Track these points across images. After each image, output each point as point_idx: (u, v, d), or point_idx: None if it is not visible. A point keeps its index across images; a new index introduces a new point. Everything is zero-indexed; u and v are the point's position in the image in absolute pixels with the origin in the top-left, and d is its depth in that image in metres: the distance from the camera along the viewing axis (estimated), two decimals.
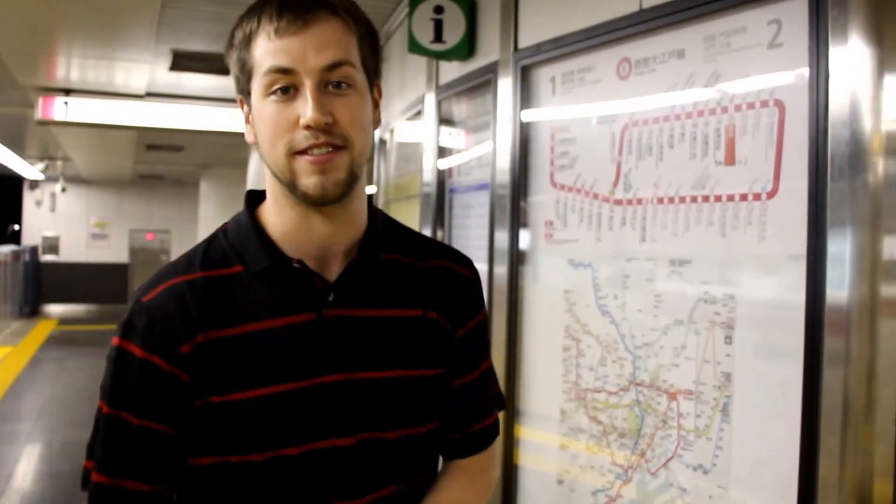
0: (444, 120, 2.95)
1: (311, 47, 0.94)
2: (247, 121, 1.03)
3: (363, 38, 1.00)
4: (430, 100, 3.00)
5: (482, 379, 1.18)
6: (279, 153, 0.96)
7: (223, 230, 1.07)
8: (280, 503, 0.99)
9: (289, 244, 1.02)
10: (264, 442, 0.97)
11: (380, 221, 1.09)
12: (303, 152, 0.94)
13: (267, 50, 0.95)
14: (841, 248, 1.45)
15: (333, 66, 0.95)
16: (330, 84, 0.95)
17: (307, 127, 0.93)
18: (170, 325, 0.97)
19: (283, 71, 0.94)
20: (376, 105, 1.06)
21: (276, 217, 1.03)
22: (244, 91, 1.01)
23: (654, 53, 1.91)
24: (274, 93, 0.95)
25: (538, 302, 2.35)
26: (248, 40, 0.97)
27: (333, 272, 1.02)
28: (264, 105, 0.96)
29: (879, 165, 1.43)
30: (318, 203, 0.97)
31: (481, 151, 2.65)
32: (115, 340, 1.00)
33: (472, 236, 2.74)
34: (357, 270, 1.02)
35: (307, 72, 0.94)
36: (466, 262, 1.17)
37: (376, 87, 1.06)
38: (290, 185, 0.97)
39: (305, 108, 0.93)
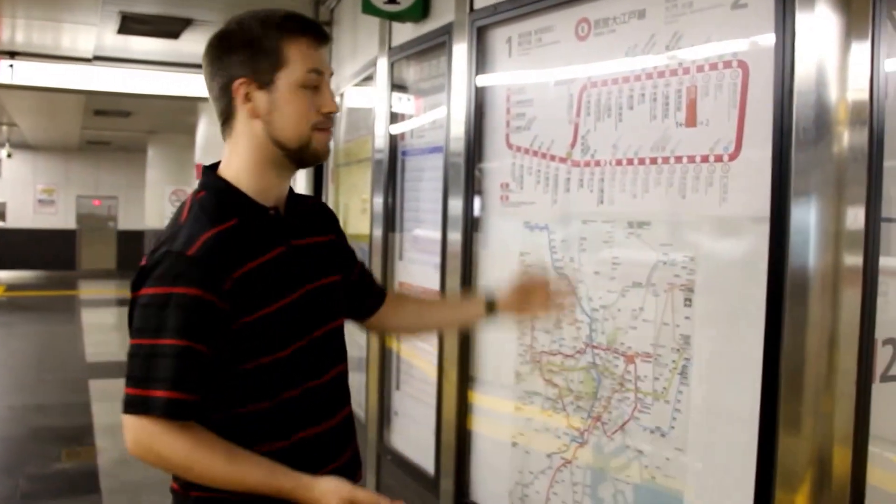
0: (397, 83, 2.88)
1: (326, 59, 1.38)
2: (249, 99, 1.33)
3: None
4: (383, 62, 2.93)
5: (363, 266, 1.68)
6: (305, 128, 1.34)
7: (203, 198, 1.36)
8: (296, 384, 1.36)
9: (259, 197, 1.37)
10: (284, 341, 1.34)
11: None
12: (319, 129, 1.35)
13: (307, 56, 1.33)
14: (805, 215, 1.45)
15: (332, 73, 1.42)
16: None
17: (329, 112, 1.36)
18: (215, 268, 1.26)
19: (318, 72, 1.34)
20: None
21: (251, 178, 1.37)
22: (264, 76, 1.32)
23: (615, 13, 1.88)
24: (309, 87, 1.33)
25: (493, 265, 2.32)
26: (280, 42, 1.32)
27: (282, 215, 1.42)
28: (297, 93, 1.33)
29: (845, 134, 1.42)
30: (317, 162, 1.42)
31: (435, 114, 2.59)
32: (164, 288, 1.25)
33: (425, 199, 2.70)
34: (294, 212, 1.45)
35: (327, 74, 1.37)
36: (318, 198, 1.74)
37: None
38: (301, 149, 1.35)
39: (327, 100, 1.36)
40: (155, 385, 1.23)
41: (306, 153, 1.35)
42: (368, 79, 3.22)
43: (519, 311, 1.67)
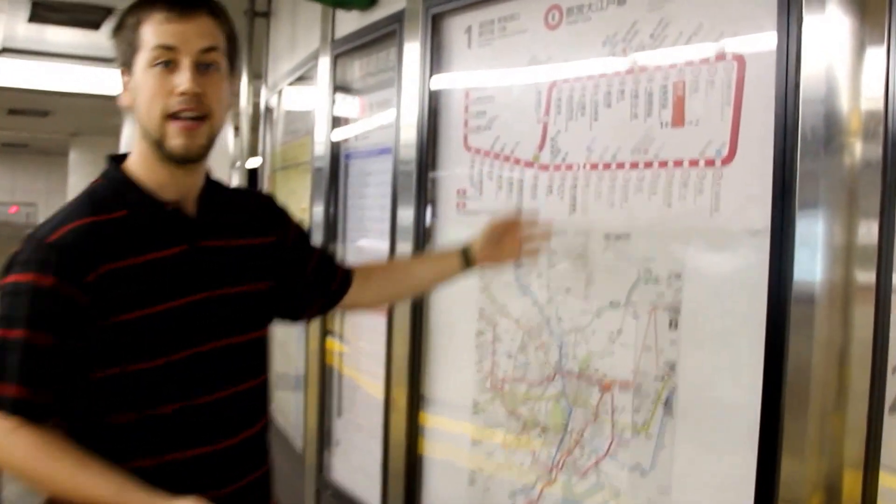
0: (341, 79, 2.62)
1: (192, 33, 1.22)
2: (125, 88, 1.28)
3: (229, 39, 1.30)
4: (325, 56, 2.67)
5: (322, 254, 1.60)
6: (155, 114, 1.21)
7: (96, 185, 1.31)
8: (167, 398, 1.24)
9: (157, 191, 1.28)
10: (155, 350, 1.22)
11: (209, 175, 1.38)
12: (174, 117, 1.21)
13: (156, 31, 1.21)
14: (811, 227, 1.27)
15: (207, 50, 1.23)
16: (202, 65, 1.22)
17: (182, 94, 1.20)
18: (76, 258, 1.18)
19: (168, 48, 1.21)
20: (230, 93, 1.32)
21: (146, 170, 1.28)
22: (128, 63, 1.25)
23: (591, 0, 1.67)
24: (157, 64, 1.21)
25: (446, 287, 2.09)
26: (138, 24, 1.23)
27: (192, 212, 1.32)
28: (147, 74, 1.22)
29: (857, 144, 1.25)
30: (181, 161, 1.25)
31: (383, 113, 2.36)
32: (19, 276, 1.17)
33: (371, 206, 2.45)
34: (210, 210, 1.34)
35: (187, 51, 1.21)
36: (263, 194, 1.61)
37: (234, 79, 1.34)
38: (159, 143, 1.23)
39: (183, 79, 1.20)
40: (2, 380, 1.16)
41: (164, 148, 1.23)
42: (307, 76, 2.96)
43: (495, 259, 1.65)
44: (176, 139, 1.22)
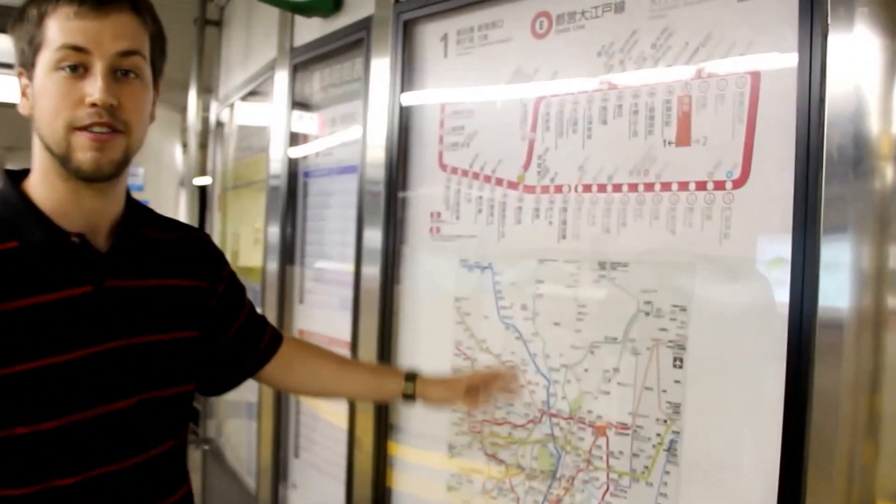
0: (300, 90, 2.44)
1: (108, 33, 1.01)
2: (23, 94, 1.08)
3: (154, 38, 1.10)
4: (283, 67, 2.49)
5: (250, 314, 1.39)
6: (58, 126, 1.01)
7: None
8: (68, 468, 1.03)
9: (60, 219, 1.06)
10: (51, 410, 1.01)
11: (133, 202, 1.16)
12: (82, 129, 1.00)
13: (63, 28, 1.00)
14: (839, 254, 1.14)
15: (126, 54, 1.03)
16: (119, 71, 1.03)
17: (92, 105, 0.99)
18: None
19: (77, 49, 1.00)
20: (154, 102, 1.13)
21: (46, 191, 1.07)
22: (27, 64, 1.05)
23: (584, 6, 1.54)
24: (63, 68, 1.01)
25: (420, 312, 1.92)
26: (42, 17, 1.02)
27: (102, 246, 1.10)
28: (50, 78, 1.02)
29: (888, 168, 1.14)
30: (90, 178, 1.03)
31: (348, 128, 2.18)
32: None
33: (332, 229, 2.27)
34: (126, 243, 1.12)
35: (101, 54, 1.01)
36: (202, 232, 1.33)
37: (158, 86, 1.13)
38: (63, 159, 1.02)
39: (94, 88, 0.99)
40: None
41: (70, 165, 1.02)
42: (262, 89, 2.77)
43: (447, 403, 1.52)
44: (84, 152, 1.01)
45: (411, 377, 1.45)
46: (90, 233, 1.08)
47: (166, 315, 1.16)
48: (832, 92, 1.16)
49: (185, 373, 1.20)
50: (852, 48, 1.14)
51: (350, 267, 2.08)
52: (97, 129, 1.00)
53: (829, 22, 1.16)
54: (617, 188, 1.47)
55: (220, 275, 1.31)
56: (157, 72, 1.12)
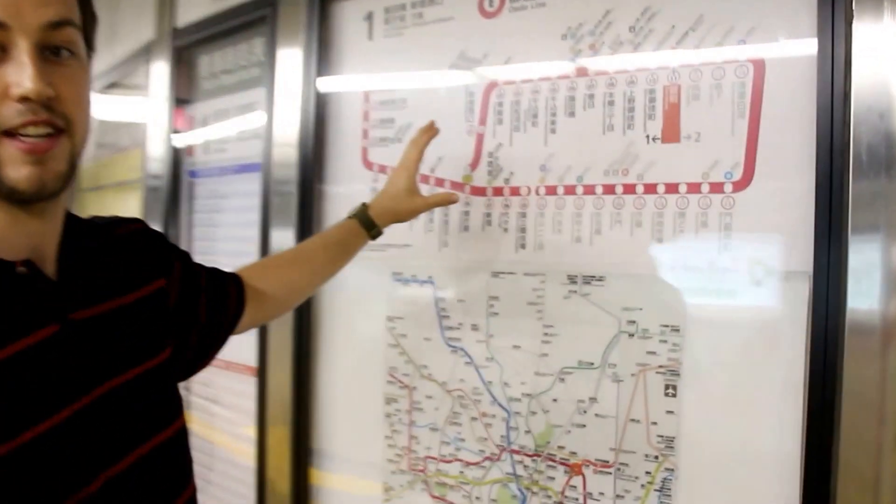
0: (185, 78, 2.10)
1: (30, 1, 0.74)
2: None
3: (84, 3, 0.82)
4: (163, 51, 2.14)
5: (210, 280, 1.14)
6: None
7: None
8: None
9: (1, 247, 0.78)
10: (44, 498, 0.73)
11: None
12: (10, 134, 0.73)
13: None
14: (868, 259, 1.00)
15: (56, 25, 0.76)
16: (48, 49, 0.76)
17: (23, 99, 0.72)
18: None
19: None
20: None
21: None
22: None
23: None
24: None
25: (344, 333, 1.66)
26: None
27: (52, 273, 0.83)
28: None
29: None
30: (31, 200, 0.76)
31: (246, 120, 1.88)
32: None
33: (226, 238, 1.96)
34: (76, 265, 0.86)
35: (23, 29, 0.73)
36: (134, 220, 1.04)
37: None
38: None
39: (21, 76, 0.72)
40: None
41: (1, 183, 0.74)
42: (130, 76, 2.40)
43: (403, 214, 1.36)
44: (17, 167, 0.74)
45: (365, 220, 1.32)
46: (38, 259, 0.81)
47: (139, 341, 0.91)
48: (858, 84, 1.02)
49: (173, 406, 0.95)
50: (880, 36, 1.00)
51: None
52: (32, 131, 0.73)
53: (853, 8, 1.02)
54: (589, 190, 1.28)
55: (170, 261, 1.04)
56: (90, 46, 0.83)
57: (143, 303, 0.94)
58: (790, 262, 1.09)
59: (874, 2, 1.01)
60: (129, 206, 2.37)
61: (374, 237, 1.34)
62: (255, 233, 1.78)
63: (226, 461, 1.94)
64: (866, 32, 1.01)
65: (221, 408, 1.94)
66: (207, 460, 2.00)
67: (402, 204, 1.34)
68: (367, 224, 1.32)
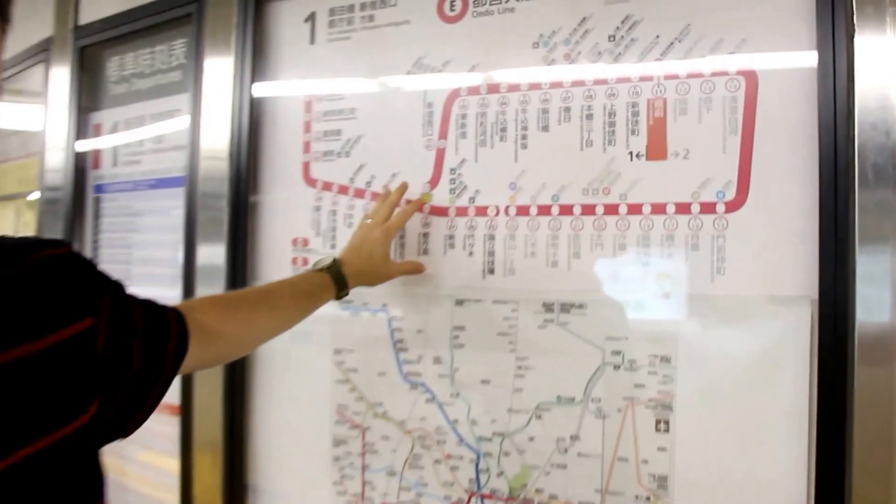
0: (90, 80, 1.88)
1: None
2: None
3: None
4: (64, 50, 1.91)
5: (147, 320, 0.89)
6: None
7: None
8: None
9: None
10: None
11: None
12: None
13: None
14: (877, 285, 0.95)
15: None
16: None
17: None
18: None
19: None
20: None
21: None
22: None
23: None
24: None
25: (283, 368, 1.50)
26: None
27: None
28: None
29: None
30: None
31: (165, 129, 1.70)
32: None
33: (140, 261, 1.76)
34: None
35: None
36: (57, 242, 0.79)
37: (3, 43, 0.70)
38: None
39: None
40: None
41: None
42: (20, 78, 2.15)
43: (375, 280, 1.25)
44: None
45: (339, 278, 1.19)
46: None
47: (54, 400, 0.69)
48: (862, 99, 0.96)
49: (99, 481, 0.75)
50: (883, 51, 0.95)
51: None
52: None
53: (854, 21, 0.97)
54: (566, 210, 1.18)
55: (99, 295, 0.82)
56: (4, 18, 0.68)
57: (63, 349, 0.73)
58: (790, 285, 1.02)
59: (876, 15, 0.96)
60: (19, 221, 2.12)
61: (340, 297, 1.20)
62: (174, 254, 1.60)
63: (141, 498, 1.74)
64: (869, 46, 0.96)
65: (139, 452, 1.74)
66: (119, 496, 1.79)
67: (378, 269, 1.23)
68: (340, 283, 1.18)
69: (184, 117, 1.59)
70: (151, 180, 1.71)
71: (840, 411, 0.96)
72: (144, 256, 1.74)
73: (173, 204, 1.62)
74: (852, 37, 0.97)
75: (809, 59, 1.01)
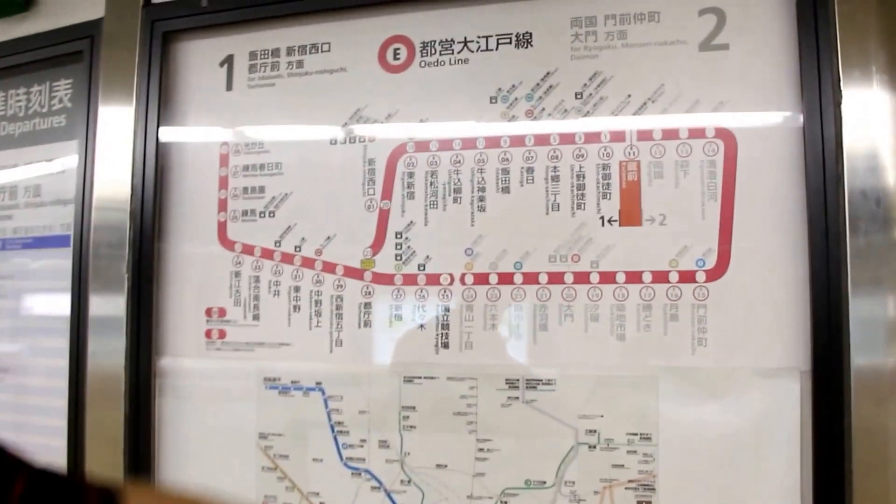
0: None
1: None
2: None
3: None
4: None
5: None
6: None
7: None
8: None
9: None
10: None
11: None
12: None
13: None
14: (870, 359, 0.92)
15: None
16: None
17: None
18: None
19: None
20: None
21: None
22: None
23: (463, 33, 1.15)
24: None
25: (196, 456, 1.30)
26: None
27: None
28: None
29: None
30: None
31: (44, 181, 1.46)
32: None
33: (12, 332, 1.50)
34: None
35: None
36: None
37: None
38: None
39: None
40: None
41: None
42: None
43: None
44: None
45: None
46: None
47: None
48: (851, 163, 0.94)
49: None
50: (869, 115, 0.94)
51: (57, 400, 1.37)
52: None
53: (841, 86, 0.95)
54: (531, 279, 1.09)
55: (8, 479, 0.59)
56: None
57: None
58: (776, 356, 0.98)
59: (862, 79, 0.95)
60: None
61: None
62: (57, 324, 1.37)
63: None
64: (856, 110, 0.94)
65: None
66: None
67: None
68: None
69: (68, 167, 1.38)
70: (24, 240, 1.47)
71: (839, 489, 0.92)
72: (16, 327, 1.48)
73: (54, 265, 1.40)
74: (839, 103, 0.95)
75: (792, 122, 0.98)
